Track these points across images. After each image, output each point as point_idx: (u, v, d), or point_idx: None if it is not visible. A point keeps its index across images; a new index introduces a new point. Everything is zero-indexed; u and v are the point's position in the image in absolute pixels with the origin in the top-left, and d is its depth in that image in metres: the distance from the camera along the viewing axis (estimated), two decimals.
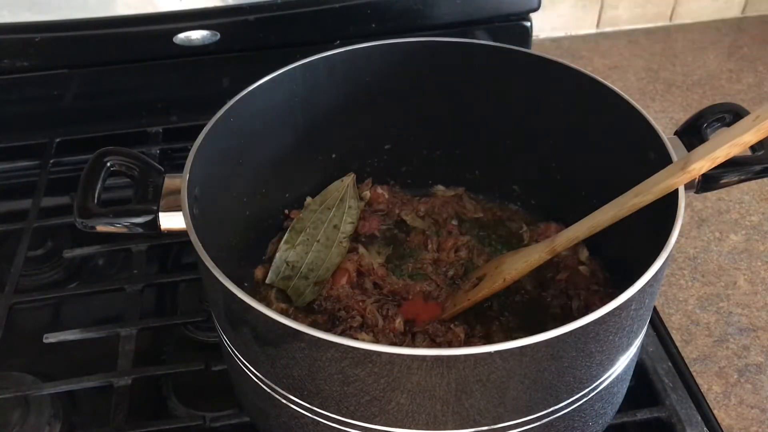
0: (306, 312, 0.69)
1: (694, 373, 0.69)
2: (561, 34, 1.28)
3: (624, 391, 0.62)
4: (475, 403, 0.49)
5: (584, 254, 0.71)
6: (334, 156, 0.77)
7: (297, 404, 0.53)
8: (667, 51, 1.25)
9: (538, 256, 0.62)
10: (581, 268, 0.70)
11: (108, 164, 0.60)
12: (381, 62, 0.71)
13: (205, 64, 0.93)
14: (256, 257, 0.74)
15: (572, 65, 0.67)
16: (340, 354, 0.46)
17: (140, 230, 0.58)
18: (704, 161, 0.53)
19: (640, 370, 0.68)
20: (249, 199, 0.70)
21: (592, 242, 0.68)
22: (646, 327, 0.59)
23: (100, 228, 0.58)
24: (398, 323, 0.65)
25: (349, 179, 0.77)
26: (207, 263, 0.51)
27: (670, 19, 1.30)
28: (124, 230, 0.58)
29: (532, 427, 0.52)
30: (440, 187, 0.81)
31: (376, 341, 0.64)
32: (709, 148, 0.53)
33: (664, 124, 1.09)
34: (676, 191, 0.55)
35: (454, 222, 0.76)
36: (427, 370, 0.46)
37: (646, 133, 0.61)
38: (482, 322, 0.67)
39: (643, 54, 1.24)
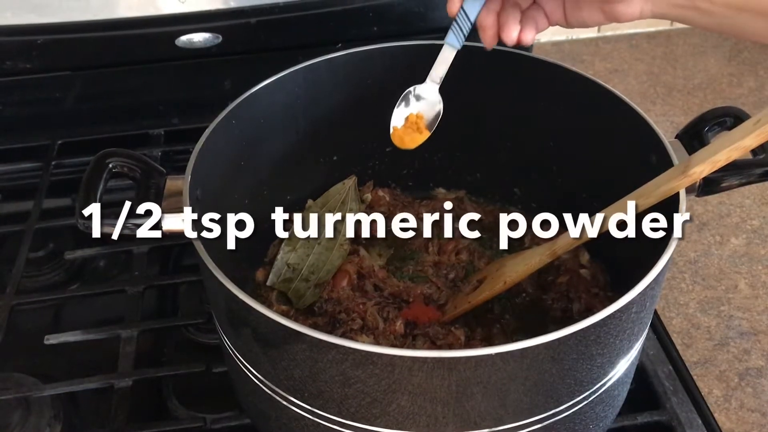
0: (306, 314, 0.69)
1: (694, 377, 0.69)
2: (562, 37, 1.28)
3: (624, 394, 0.62)
4: (475, 405, 0.49)
5: (585, 257, 0.71)
6: (335, 158, 0.77)
7: (298, 406, 0.53)
8: (668, 55, 1.25)
9: (538, 259, 0.62)
10: (582, 271, 0.70)
11: (110, 166, 0.60)
12: (382, 65, 0.72)
13: (207, 66, 0.93)
14: (257, 259, 0.74)
15: (573, 68, 0.67)
16: (341, 355, 0.47)
17: None
18: (705, 165, 0.53)
19: (640, 373, 0.68)
20: (250, 201, 0.70)
21: (593, 245, 0.68)
22: (646, 330, 0.59)
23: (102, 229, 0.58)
24: (399, 326, 0.65)
25: (350, 182, 0.78)
26: (208, 265, 0.51)
27: (671, 23, 1.30)
28: (126, 231, 0.58)
29: (533, 430, 0.52)
30: (441, 190, 0.81)
31: (377, 344, 0.64)
32: (710, 151, 0.53)
33: (665, 127, 1.09)
34: (677, 194, 0.55)
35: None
36: (428, 372, 0.46)
37: (648, 137, 0.61)
38: (483, 324, 0.67)
39: (645, 58, 1.25)
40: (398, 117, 0.63)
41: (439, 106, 0.63)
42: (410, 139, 0.64)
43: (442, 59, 0.61)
